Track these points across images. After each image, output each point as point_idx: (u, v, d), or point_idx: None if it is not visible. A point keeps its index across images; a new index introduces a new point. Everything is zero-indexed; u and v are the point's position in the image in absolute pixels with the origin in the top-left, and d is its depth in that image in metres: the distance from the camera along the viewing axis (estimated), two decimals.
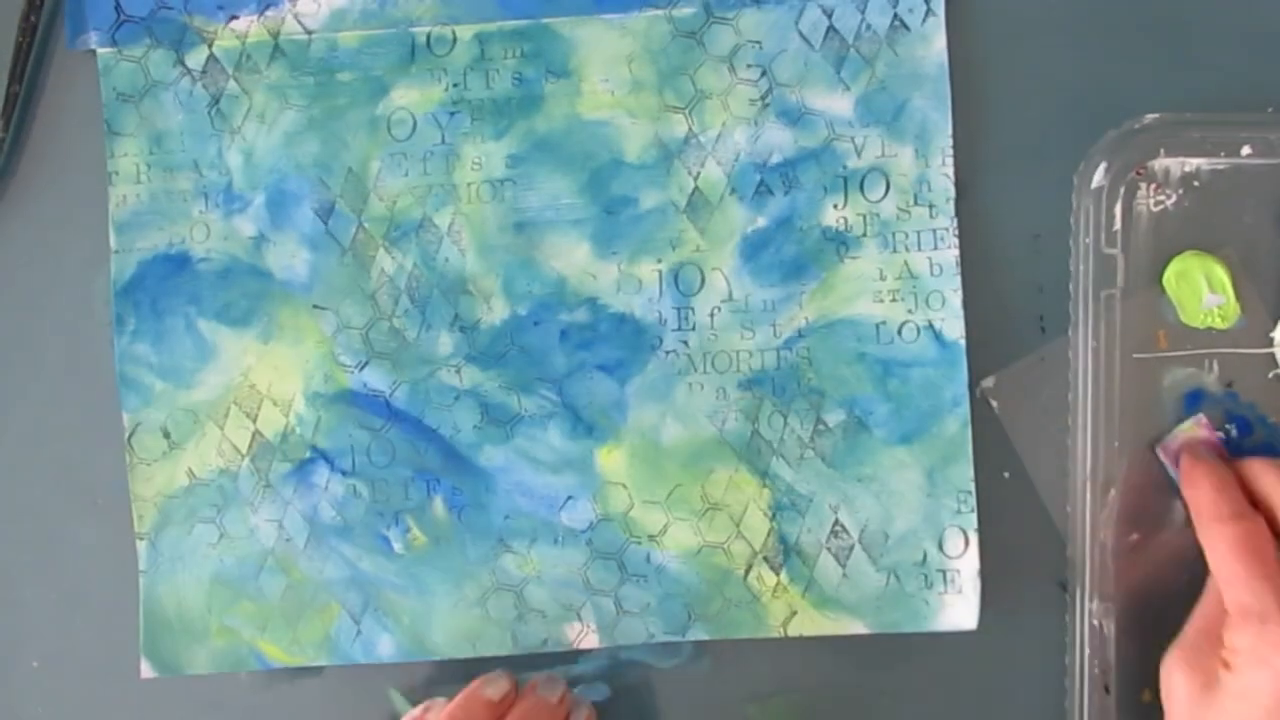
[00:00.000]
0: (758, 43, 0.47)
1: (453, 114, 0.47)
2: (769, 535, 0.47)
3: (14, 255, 0.48)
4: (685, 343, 0.47)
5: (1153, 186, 0.46)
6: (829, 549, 0.47)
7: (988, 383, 0.47)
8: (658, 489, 0.47)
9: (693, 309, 0.47)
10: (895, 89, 0.46)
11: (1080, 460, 0.46)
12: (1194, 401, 0.47)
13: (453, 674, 0.47)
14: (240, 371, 0.47)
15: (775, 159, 0.47)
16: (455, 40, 0.47)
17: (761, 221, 0.47)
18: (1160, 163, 0.46)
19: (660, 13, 0.46)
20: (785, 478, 0.47)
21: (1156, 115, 0.46)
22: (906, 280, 0.47)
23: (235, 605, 0.47)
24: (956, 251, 0.47)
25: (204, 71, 0.47)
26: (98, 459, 0.48)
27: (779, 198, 0.47)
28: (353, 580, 0.47)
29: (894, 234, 0.47)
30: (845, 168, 0.47)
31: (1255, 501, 0.44)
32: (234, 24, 0.47)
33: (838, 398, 0.47)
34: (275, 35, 0.47)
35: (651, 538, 0.47)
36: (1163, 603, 0.46)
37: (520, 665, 0.46)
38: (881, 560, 0.47)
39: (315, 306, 0.47)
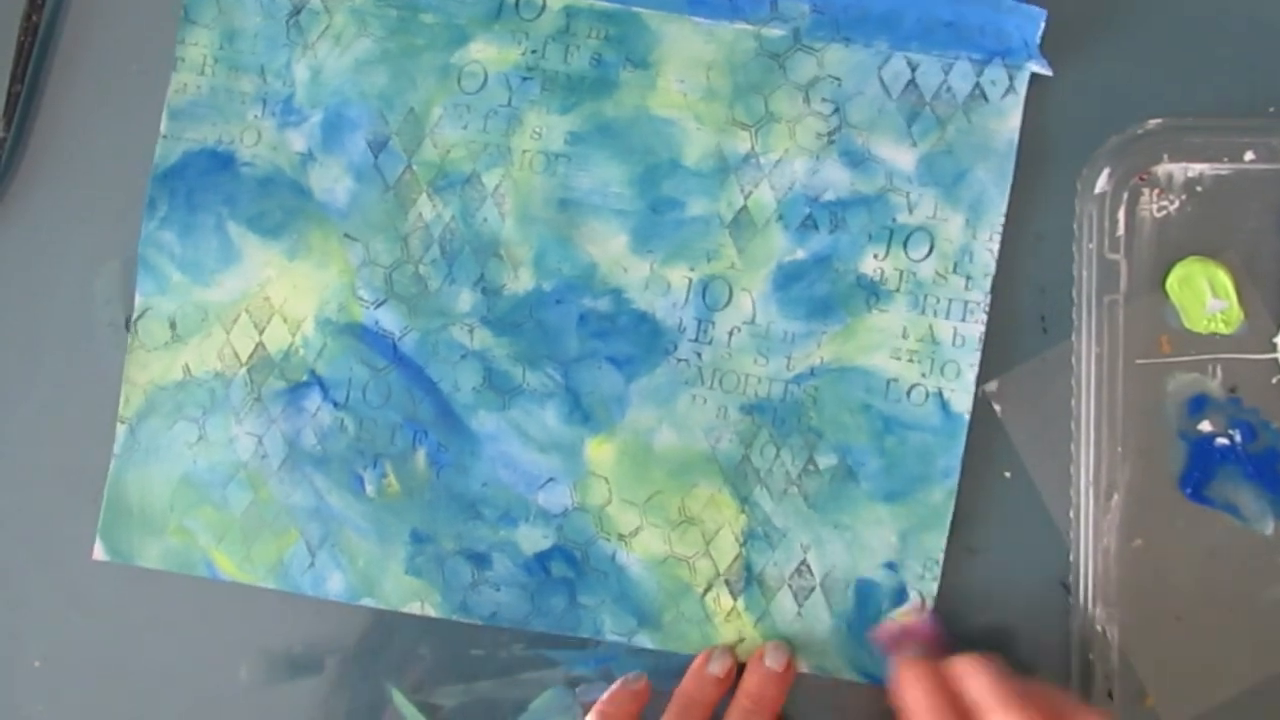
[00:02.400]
0: (837, 79, 0.47)
1: (525, 79, 0.47)
2: (735, 560, 0.47)
3: (14, 255, 0.48)
4: (699, 354, 0.47)
5: (1156, 192, 0.46)
6: (790, 586, 0.47)
7: (990, 386, 0.47)
8: (638, 491, 0.47)
9: (714, 323, 0.47)
10: (961, 155, 0.47)
11: (1083, 465, 0.46)
12: (1197, 406, 0.47)
13: (456, 674, 0.48)
14: (258, 282, 0.47)
15: (828, 196, 0.47)
16: (544, 8, 0.47)
17: (800, 254, 0.47)
18: (1163, 168, 0.46)
19: (750, 28, 0.47)
20: (765, 508, 0.47)
21: (1159, 120, 0.46)
22: (928, 344, 0.47)
23: (197, 509, 0.47)
24: (983, 327, 0.47)
25: None
26: (98, 458, 0.47)
27: (823, 235, 0.47)
28: (317, 511, 0.47)
29: (926, 296, 0.47)
30: (894, 220, 0.47)
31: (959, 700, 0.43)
32: None
33: (833, 442, 0.47)
34: None
35: (621, 537, 0.47)
36: (1166, 608, 0.46)
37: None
38: (837, 608, 0.47)
39: (346, 236, 0.47)
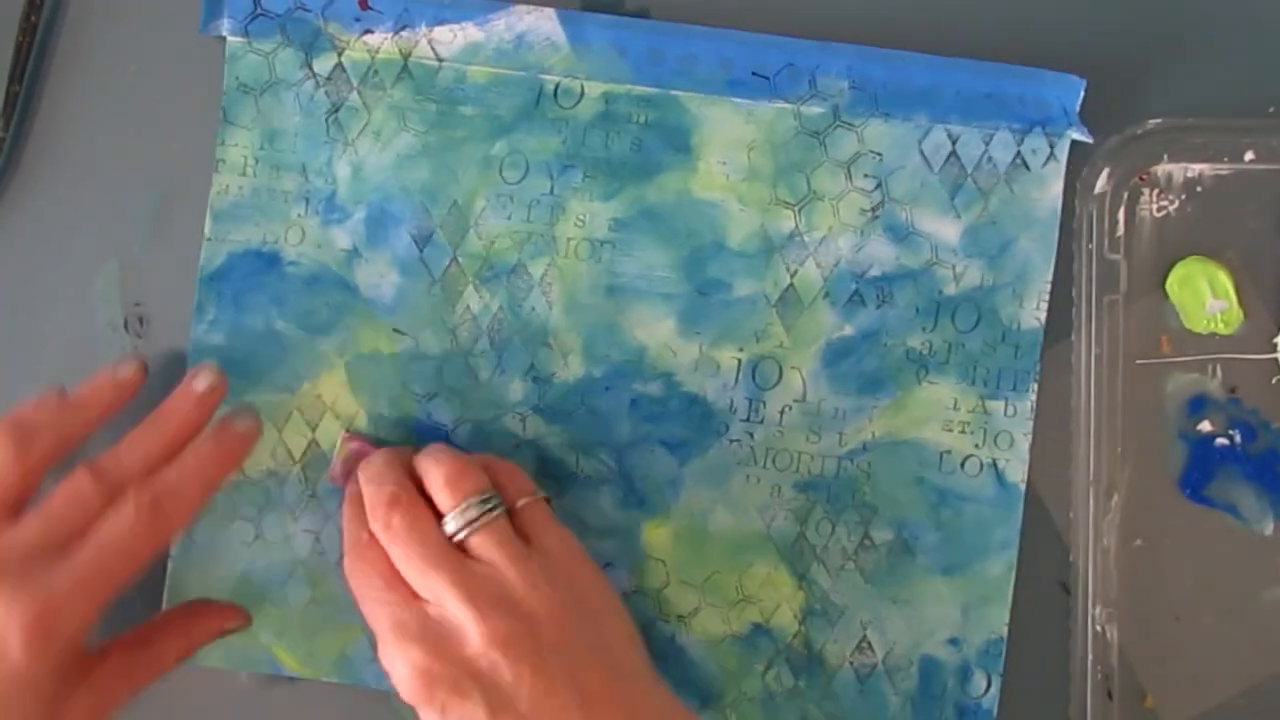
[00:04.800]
0: (879, 154, 0.47)
1: (567, 167, 0.47)
2: (795, 638, 0.47)
3: (13, 255, 0.48)
4: (751, 434, 0.47)
5: (1155, 192, 0.46)
6: (851, 664, 0.47)
7: None
8: (696, 572, 0.47)
9: (764, 403, 0.47)
10: (1005, 225, 0.47)
11: (1083, 465, 0.46)
12: (1197, 407, 0.47)
13: None
14: (309, 379, 0.47)
15: (874, 271, 0.47)
16: (583, 95, 0.47)
17: (849, 330, 0.47)
18: (1163, 168, 0.46)
19: (790, 106, 0.46)
20: (822, 585, 0.47)
21: (1159, 120, 0.46)
22: (979, 415, 0.47)
23: (257, 608, 0.47)
24: (1034, 397, 0.47)
25: (329, 78, 0.46)
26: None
27: (870, 310, 0.47)
28: None
29: (976, 366, 0.47)
30: (941, 293, 0.47)
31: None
32: (367, 38, 0.46)
33: (889, 517, 0.47)
34: (406, 56, 0.46)
35: (680, 618, 0.47)
36: (1166, 608, 0.47)
37: None
38: (901, 685, 0.47)
39: (395, 330, 0.47)
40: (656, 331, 0.47)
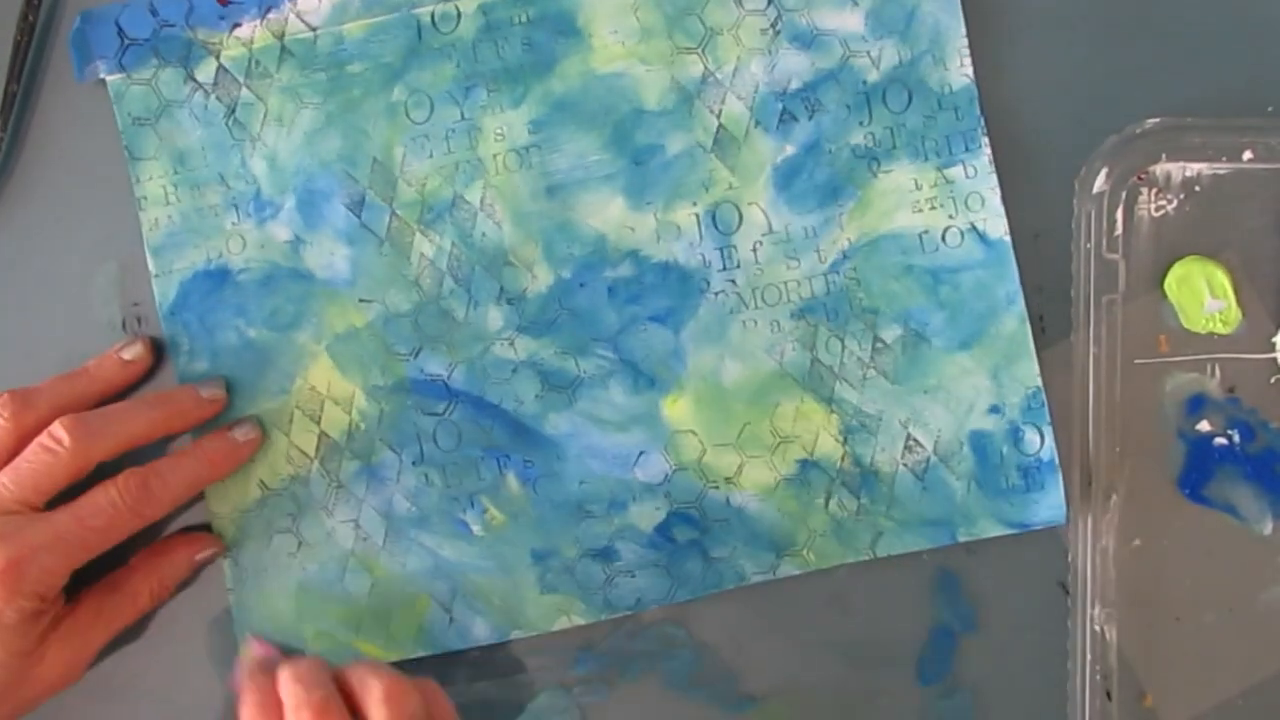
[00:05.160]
0: None
1: (468, 89, 0.47)
2: (843, 460, 0.47)
3: (13, 255, 0.48)
4: (732, 281, 0.47)
5: (1154, 191, 0.46)
6: (905, 465, 0.47)
7: None
8: (727, 431, 0.47)
9: (735, 247, 0.47)
10: None
11: (1081, 465, 0.46)
12: (1196, 406, 0.47)
13: (455, 675, 0.47)
14: (298, 376, 0.47)
15: (794, 85, 0.47)
16: (460, 15, 0.46)
17: (790, 150, 0.47)
18: (1161, 167, 0.46)
19: None
20: (851, 400, 0.47)
21: (1157, 120, 0.46)
22: (942, 187, 0.46)
23: (326, 610, 0.47)
24: (988, 151, 0.46)
25: (215, 83, 0.46)
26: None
27: (804, 123, 0.47)
28: (437, 569, 0.47)
29: (923, 141, 0.46)
30: (865, 84, 0.46)
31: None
32: (238, 32, 0.46)
33: (891, 313, 0.47)
34: (280, 37, 0.46)
35: (728, 480, 0.47)
36: (1165, 608, 0.47)
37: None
38: (959, 468, 0.47)
39: (361, 300, 0.47)
40: (608, 215, 0.47)
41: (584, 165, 0.47)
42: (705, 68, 0.46)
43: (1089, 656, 0.46)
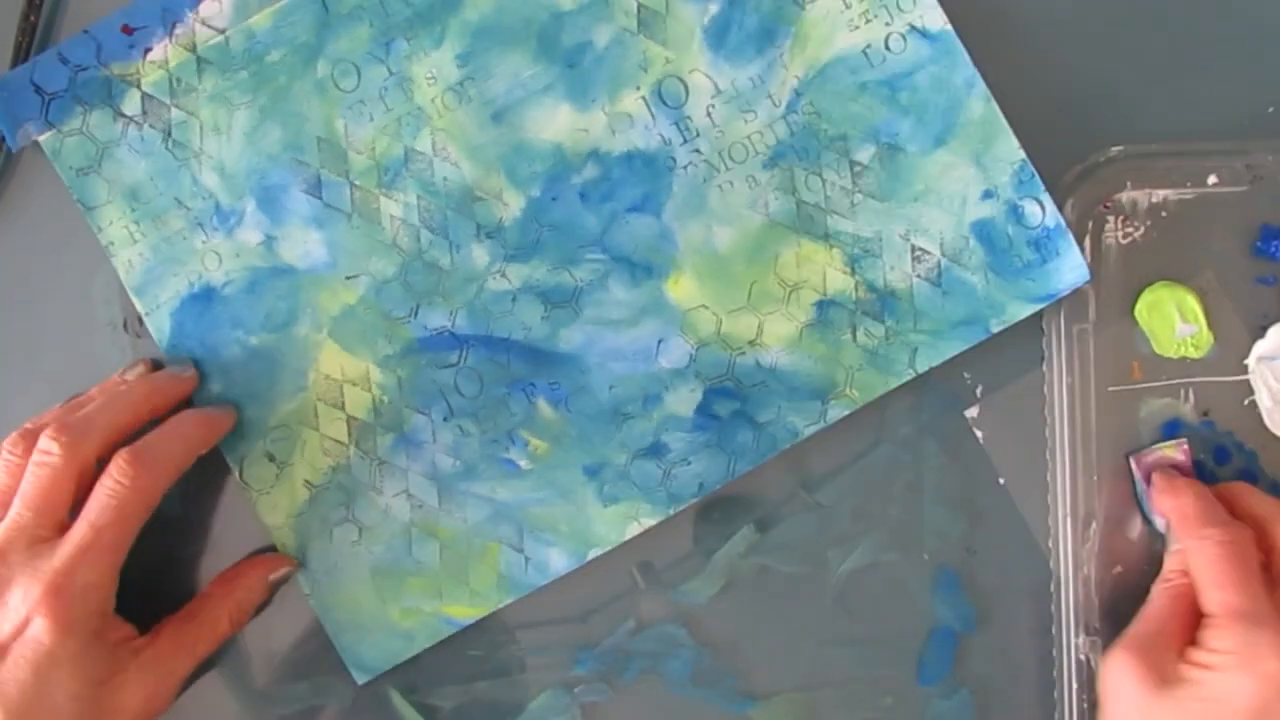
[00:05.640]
0: None
1: (387, 43, 0.46)
2: (857, 290, 0.47)
3: (14, 255, 0.48)
4: (697, 151, 0.47)
5: (1121, 219, 0.46)
6: (919, 276, 0.46)
7: (971, 412, 0.47)
8: (736, 296, 0.47)
9: (689, 118, 0.47)
10: None
11: (1060, 494, 0.47)
12: (1171, 431, 0.47)
13: (454, 675, 0.48)
14: (310, 369, 0.47)
15: None
16: None
17: (713, 8, 0.46)
18: (1127, 195, 0.46)
19: None
20: (847, 230, 0.46)
21: (1121, 148, 0.46)
22: None
23: (404, 586, 0.47)
24: None
25: (144, 112, 0.47)
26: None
27: None
28: (497, 514, 0.47)
29: None
30: None
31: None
32: (150, 56, 0.46)
33: (859, 134, 0.46)
34: (193, 49, 0.46)
35: (751, 343, 0.47)
36: None
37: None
38: (972, 262, 0.46)
39: (347, 278, 0.47)
40: (558, 123, 0.47)
41: (521, 83, 0.47)
42: None
43: (1074, 685, 0.46)
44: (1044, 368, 0.47)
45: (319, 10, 0.46)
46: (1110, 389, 0.47)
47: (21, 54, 0.47)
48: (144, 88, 0.46)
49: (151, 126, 0.47)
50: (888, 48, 0.46)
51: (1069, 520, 0.46)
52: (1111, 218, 0.46)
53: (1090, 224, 0.46)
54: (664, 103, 0.47)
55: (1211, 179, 0.46)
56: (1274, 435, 0.47)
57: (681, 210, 0.47)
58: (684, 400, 0.47)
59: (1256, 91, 0.47)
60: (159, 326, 0.47)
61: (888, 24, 0.46)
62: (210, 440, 0.45)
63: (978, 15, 0.46)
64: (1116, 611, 0.46)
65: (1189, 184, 0.46)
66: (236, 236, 0.47)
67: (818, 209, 0.46)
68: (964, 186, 0.46)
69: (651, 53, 0.46)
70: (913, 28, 0.46)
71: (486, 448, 0.47)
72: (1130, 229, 0.46)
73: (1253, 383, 0.47)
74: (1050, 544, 0.47)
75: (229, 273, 0.47)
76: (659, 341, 0.47)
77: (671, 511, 0.47)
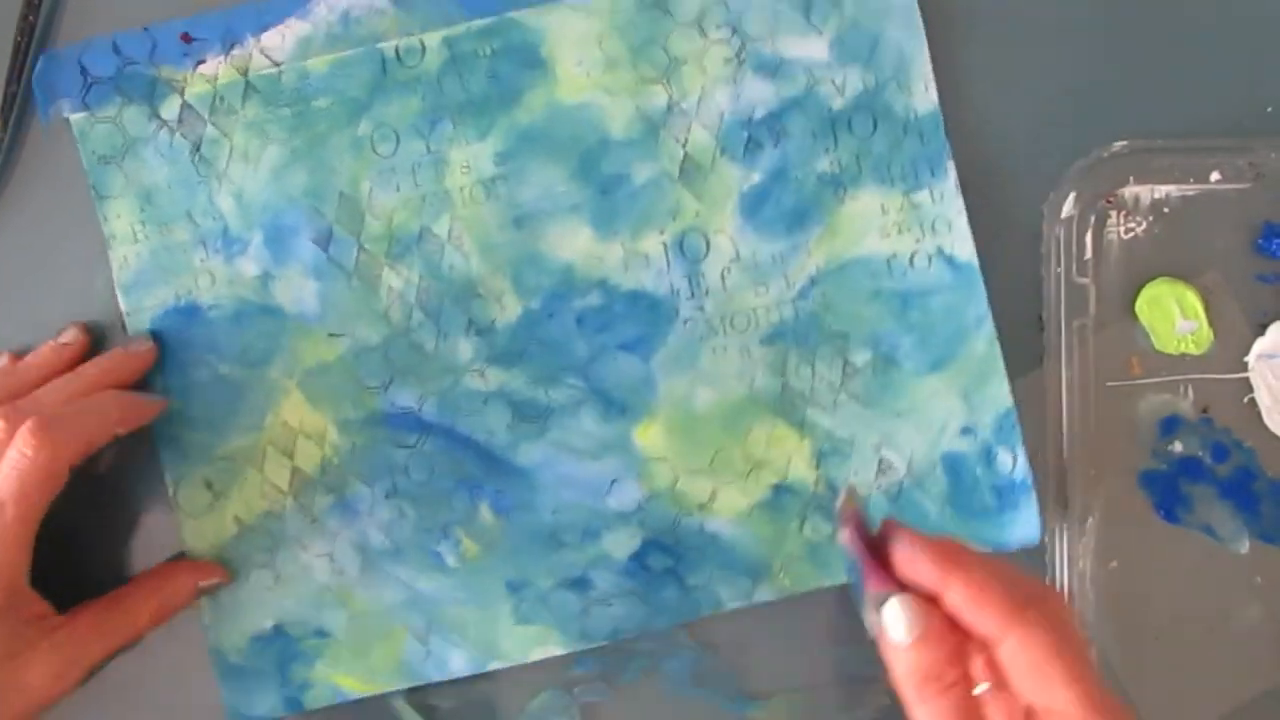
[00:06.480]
0: (723, 1, 0.46)
1: (434, 122, 0.47)
2: (817, 484, 0.47)
3: (14, 254, 0.48)
4: (701, 309, 0.47)
5: (1123, 214, 0.46)
6: (879, 488, 0.47)
7: None
8: (699, 457, 0.47)
9: (703, 274, 0.47)
10: (866, 24, 0.46)
11: (1057, 489, 0.47)
12: (1170, 428, 0.47)
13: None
14: (270, 411, 0.47)
15: (760, 113, 0.47)
16: (424, 49, 0.47)
17: (756, 177, 0.47)
18: (1130, 190, 0.46)
19: None
20: (823, 424, 0.47)
21: (1124, 143, 0.46)
22: (909, 211, 0.47)
23: (303, 645, 0.47)
24: (954, 174, 0.46)
25: (180, 120, 0.46)
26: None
27: (770, 150, 0.47)
28: (413, 601, 0.47)
29: (889, 167, 0.47)
30: (830, 110, 0.47)
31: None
32: (202, 68, 0.46)
33: (861, 337, 0.47)
34: (245, 73, 0.46)
35: (701, 507, 0.47)
36: (1144, 630, 0.47)
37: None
38: (933, 490, 0.47)
39: (331, 335, 0.47)
40: (576, 244, 0.47)
41: (551, 196, 0.47)
42: (670, 97, 0.47)
43: None
44: (1043, 363, 0.47)
45: (377, 71, 0.46)
46: (1109, 384, 0.47)
47: (21, 54, 0.46)
48: (186, 97, 0.46)
49: (183, 136, 0.46)
50: (911, 263, 0.47)
51: (1065, 515, 0.47)
52: (1114, 213, 0.46)
53: (1093, 219, 0.46)
54: (683, 253, 0.47)
55: (1214, 175, 0.46)
56: (1273, 433, 0.47)
57: (671, 361, 0.47)
58: (621, 544, 0.47)
59: (1261, 89, 0.47)
60: (136, 329, 0.47)
61: (918, 240, 0.47)
62: (129, 423, 0.44)
63: (986, 8, 0.47)
64: (1112, 606, 0.46)
65: (1191, 180, 0.46)
66: (235, 264, 0.47)
67: (801, 397, 0.47)
68: (947, 416, 0.47)
69: (685, 202, 0.47)
70: (941, 251, 0.47)
71: (419, 535, 0.47)
72: (1132, 224, 0.46)
73: (1252, 380, 0.47)
74: (1046, 539, 0.47)
75: (218, 297, 0.47)
76: (613, 481, 0.47)
77: (580, 648, 0.47)
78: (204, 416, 0.47)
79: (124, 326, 0.47)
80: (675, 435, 0.47)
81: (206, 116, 0.46)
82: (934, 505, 0.47)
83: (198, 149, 0.47)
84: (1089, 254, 0.46)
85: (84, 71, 0.46)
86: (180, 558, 0.47)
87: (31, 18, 0.46)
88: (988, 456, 0.47)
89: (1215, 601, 0.47)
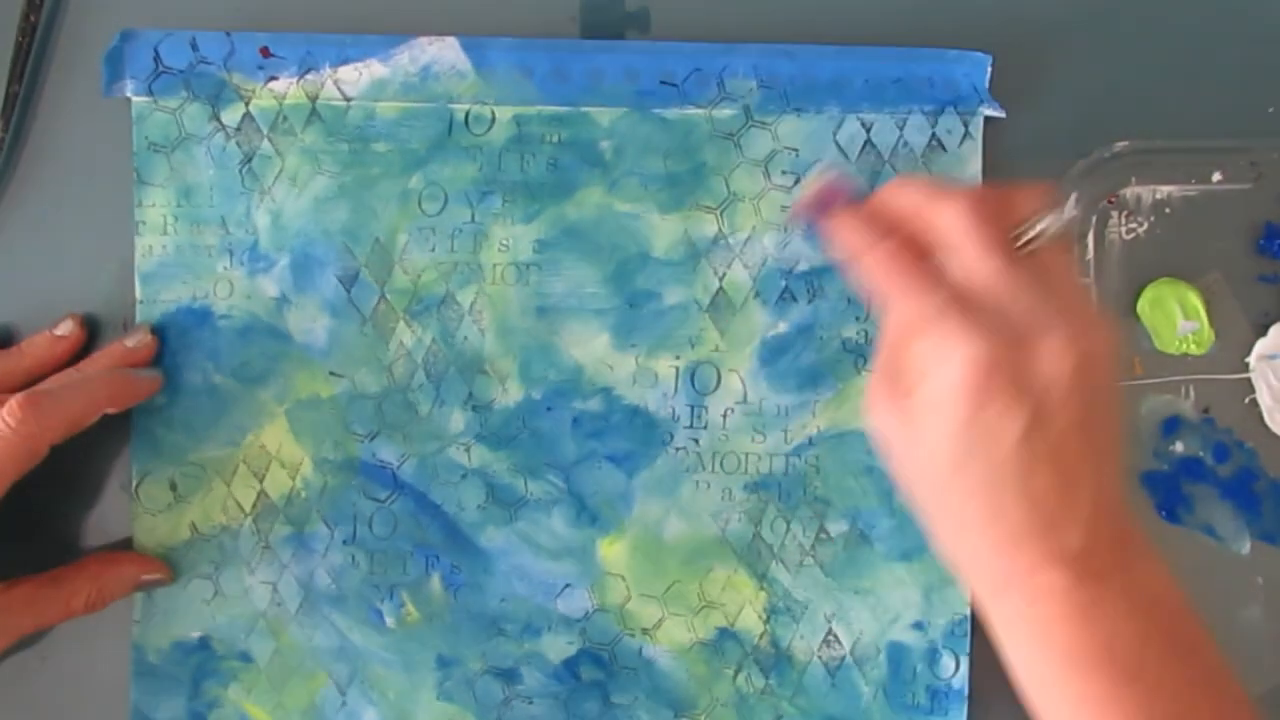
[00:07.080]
0: (795, 150, 0.47)
1: (485, 194, 0.47)
2: (762, 638, 0.47)
3: (14, 254, 0.48)
4: (696, 440, 0.47)
5: (1124, 214, 0.47)
6: (820, 658, 0.47)
7: None
8: (656, 583, 0.47)
9: (706, 408, 0.47)
10: None
11: None
12: (1171, 428, 0.47)
13: None
14: (252, 431, 0.47)
15: (802, 267, 0.47)
16: (494, 120, 0.47)
17: (783, 327, 0.47)
18: (1131, 190, 0.46)
19: (701, 111, 0.47)
20: (783, 583, 0.47)
21: (1126, 143, 0.46)
22: None
23: (223, 664, 0.47)
24: None
25: (239, 129, 0.46)
26: (98, 459, 0.47)
27: (802, 305, 0.47)
28: (342, 650, 0.47)
29: None
30: None
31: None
32: (273, 85, 0.46)
33: (842, 508, 0.47)
34: (313, 99, 0.46)
35: (645, 631, 0.47)
36: None
37: None
38: (871, 674, 0.47)
39: (331, 373, 0.47)
40: (591, 348, 0.47)
41: (579, 295, 0.47)
42: (719, 229, 0.47)
43: None
44: None
45: (443, 130, 0.46)
46: None
47: (22, 54, 0.46)
48: (251, 108, 0.46)
49: (238, 144, 0.46)
50: None
51: None
52: (1115, 213, 0.47)
53: (1094, 219, 0.46)
54: (692, 383, 0.47)
55: (1216, 176, 0.47)
56: (1274, 434, 0.47)
57: (653, 484, 0.47)
58: (558, 648, 0.47)
59: (1262, 89, 0.48)
60: (144, 319, 0.47)
61: None
62: (120, 403, 0.45)
63: (990, 9, 0.47)
64: None
65: (1193, 181, 0.46)
66: (256, 280, 0.47)
67: (769, 550, 0.47)
68: (903, 606, 0.47)
69: (708, 334, 0.47)
70: None
71: (366, 588, 0.47)
72: (1134, 225, 0.47)
73: (1254, 381, 0.47)
74: None
75: (232, 308, 0.47)
76: (566, 585, 0.47)
77: None
78: (185, 420, 0.47)
79: (134, 316, 0.47)
80: (638, 556, 0.47)
81: (265, 131, 0.46)
82: (869, 689, 0.47)
83: (249, 160, 0.46)
84: (1090, 254, 0.46)
85: (157, 58, 0.46)
86: (126, 547, 0.47)
87: (33, 17, 0.46)
88: (932, 656, 0.47)
89: (1216, 601, 0.47)
